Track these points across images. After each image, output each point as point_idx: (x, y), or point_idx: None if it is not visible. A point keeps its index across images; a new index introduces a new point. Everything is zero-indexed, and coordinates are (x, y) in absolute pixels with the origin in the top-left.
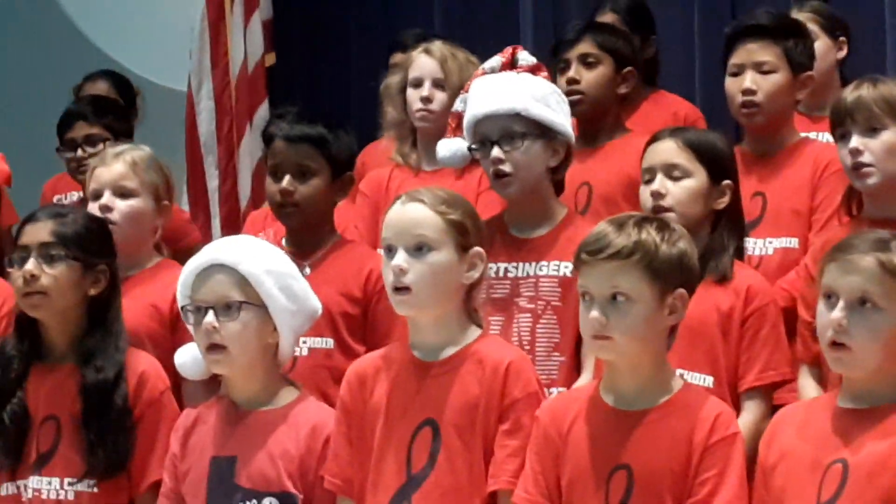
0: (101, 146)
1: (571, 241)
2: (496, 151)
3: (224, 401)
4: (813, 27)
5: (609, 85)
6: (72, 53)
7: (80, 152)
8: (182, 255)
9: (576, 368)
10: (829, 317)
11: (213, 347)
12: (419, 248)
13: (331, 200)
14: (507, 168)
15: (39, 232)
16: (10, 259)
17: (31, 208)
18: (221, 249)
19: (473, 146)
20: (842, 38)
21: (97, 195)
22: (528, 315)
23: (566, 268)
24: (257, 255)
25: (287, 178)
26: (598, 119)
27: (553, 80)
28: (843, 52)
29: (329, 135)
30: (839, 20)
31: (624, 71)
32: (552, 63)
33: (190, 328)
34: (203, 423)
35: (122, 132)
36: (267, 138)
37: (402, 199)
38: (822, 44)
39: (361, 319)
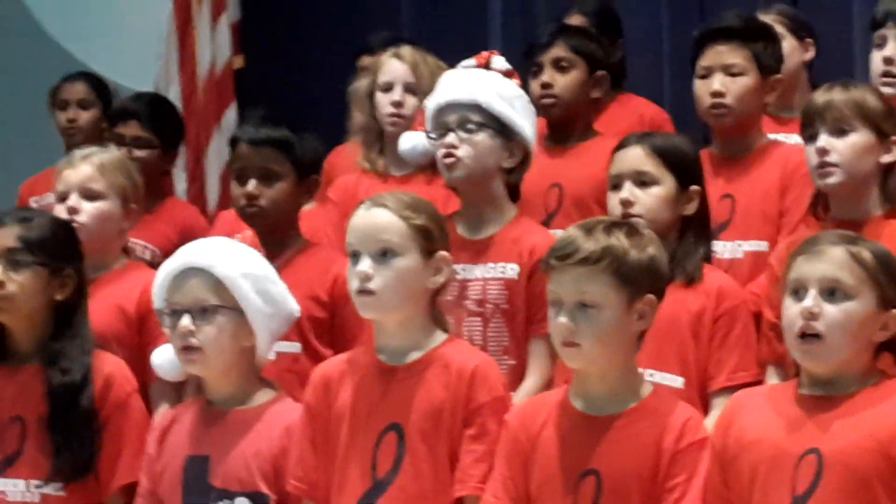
0: (146, 152)
1: (516, 242)
2: (451, 137)
3: (201, 401)
4: (779, 28)
5: (582, 88)
6: (39, 56)
7: (124, 151)
8: None
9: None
10: (799, 307)
11: (187, 349)
12: (384, 254)
13: (296, 204)
14: (458, 152)
15: (5, 237)
16: None
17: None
18: (197, 252)
19: (432, 134)
20: (808, 40)
21: (63, 197)
22: (478, 319)
23: (512, 269)
24: (233, 259)
25: (252, 182)
26: (570, 122)
27: (524, 83)
28: (810, 54)
29: (294, 138)
30: (804, 22)
31: (596, 74)
32: (525, 66)
33: (166, 331)
34: (179, 422)
35: (173, 141)
36: (232, 142)
37: (367, 205)
38: (787, 44)
39: (329, 323)
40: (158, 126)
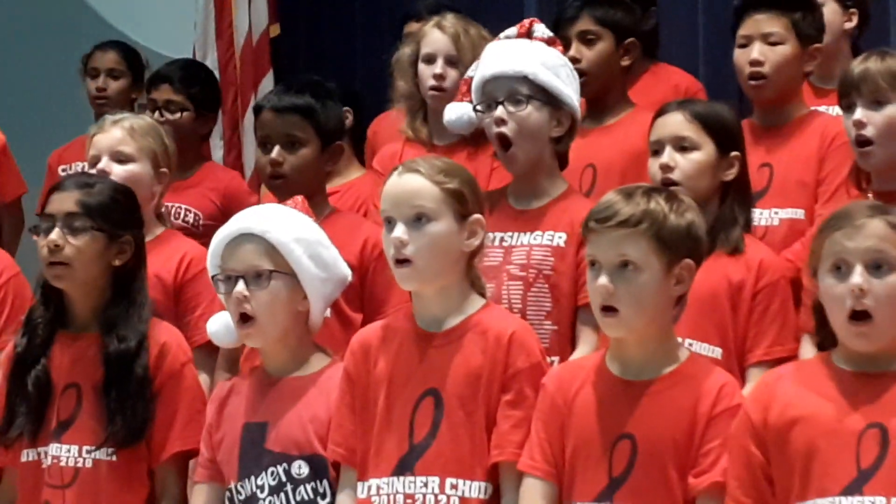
0: (179, 115)
1: (566, 212)
2: (499, 111)
3: (257, 370)
4: None
5: (610, 60)
6: (77, 24)
7: (157, 115)
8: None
9: (570, 339)
10: (846, 285)
11: (244, 319)
12: (418, 219)
13: (321, 170)
14: (507, 130)
15: (65, 201)
16: (35, 227)
17: (38, 178)
18: (250, 218)
19: (479, 107)
20: (852, 10)
21: (95, 161)
22: (519, 283)
23: (560, 238)
24: (286, 224)
25: (276, 148)
26: (604, 95)
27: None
28: (853, 23)
29: (317, 104)
30: None
31: (626, 43)
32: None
33: (220, 296)
34: (237, 393)
35: (208, 106)
36: (256, 109)
37: (399, 171)
38: (829, 11)
39: (358, 288)
40: (191, 90)
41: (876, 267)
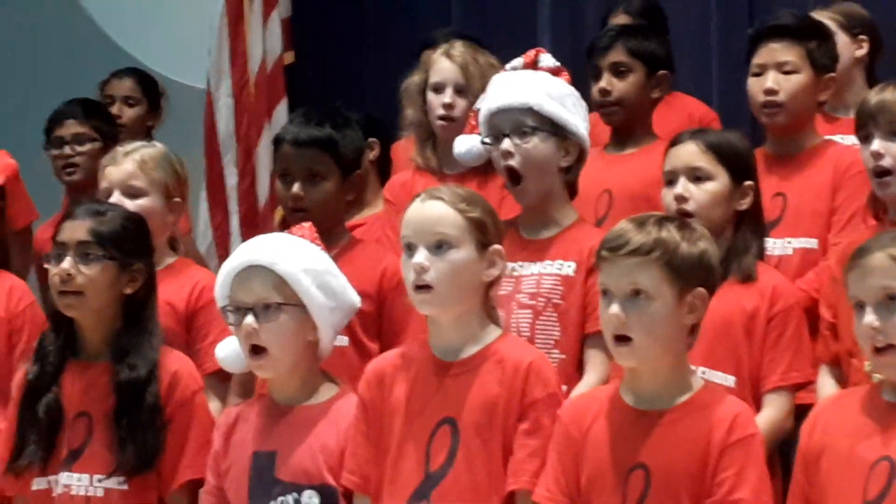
0: (87, 146)
1: (576, 242)
2: (506, 144)
3: (265, 398)
4: (831, 25)
5: (641, 91)
6: (92, 51)
7: (67, 150)
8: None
9: (577, 368)
10: (862, 325)
11: (255, 350)
12: (440, 246)
13: (342, 201)
14: (515, 163)
15: (77, 230)
16: (47, 256)
17: (56, 206)
18: (258, 250)
19: (486, 140)
20: (862, 37)
21: (107, 195)
22: (528, 311)
23: (569, 267)
24: (294, 255)
25: (297, 184)
26: (630, 125)
27: (575, 80)
28: (864, 50)
29: (337, 135)
30: (862, 19)
31: (658, 75)
32: (585, 67)
33: (231, 328)
34: (244, 420)
35: (110, 135)
36: (275, 142)
37: (422, 197)
38: (840, 42)
39: (376, 317)
40: (93, 122)
41: (890, 300)
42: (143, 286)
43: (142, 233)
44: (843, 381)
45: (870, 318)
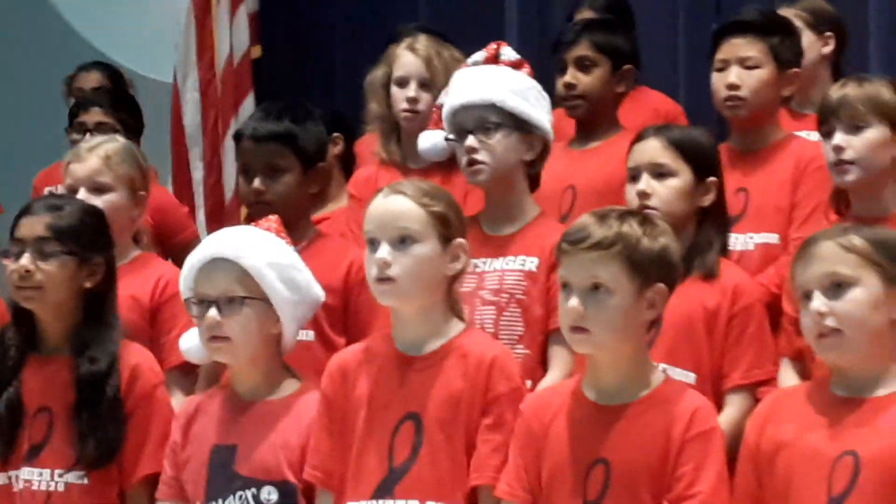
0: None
1: (538, 237)
2: (470, 140)
3: (226, 390)
4: (797, 23)
5: (606, 86)
6: (58, 45)
7: (87, 137)
8: (179, 250)
9: (541, 363)
10: (809, 311)
11: (214, 338)
12: (403, 241)
13: (304, 194)
14: (480, 157)
15: (35, 226)
16: (4, 251)
17: (22, 201)
18: (223, 243)
19: (450, 136)
20: (828, 34)
21: (73, 191)
22: (492, 307)
23: (532, 262)
24: (259, 248)
25: (258, 178)
26: (595, 119)
27: (538, 75)
28: (830, 48)
29: (297, 129)
30: (828, 15)
31: (623, 69)
32: (551, 62)
33: (194, 320)
34: (204, 412)
35: (133, 130)
36: (236, 137)
37: (385, 192)
38: (806, 39)
39: (342, 311)
40: (119, 113)
41: (834, 288)
42: (103, 280)
43: (100, 226)
44: (805, 375)
45: (817, 303)
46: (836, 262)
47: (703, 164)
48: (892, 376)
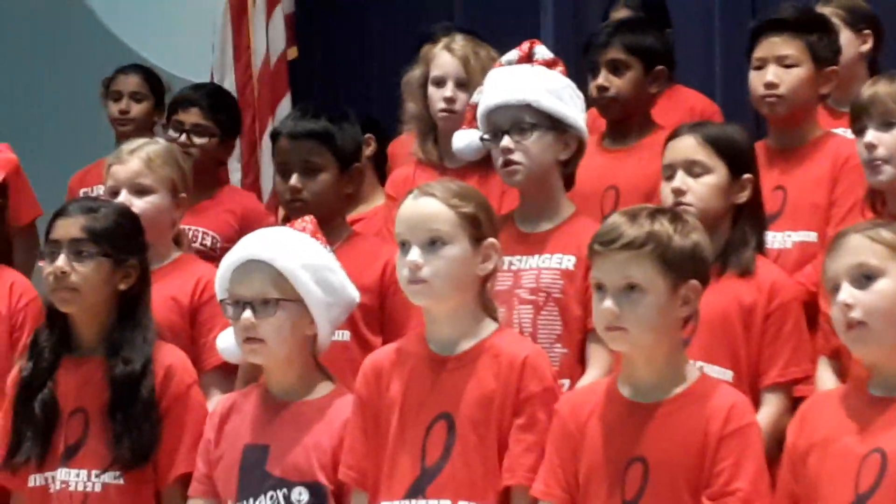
0: (206, 139)
1: (575, 236)
2: (506, 141)
3: (260, 390)
4: (835, 20)
5: (638, 88)
6: (96, 47)
7: (183, 138)
8: None
9: (580, 361)
10: (837, 302)
11: (250, 339)
12: (433, 243)
13: (340, 194)
14: (515, 157)
15: (70, 227)
16: (40, 253)
17: (59, 202)
18: (258, 244)
19: (485, 136)
20: (866, 32)
21: (114, 193)
22: (529, 306)
23: (569, 261)
24: (293, 250)
25: (294, 176)
26: (629, 120)
27: (571, 74)
28: (868, 46)
29: (333, 128)
30: (866, 13)
31: (655, 70)
32: (584, 61)
33: (229, 320)
34: (238, 411)
35: (230, 132)
36: (273, 136)
37: (415, 194)
38: (843, 37)
39: (378, 311)
40: (218, 115)
41: (862, 280)
42: (137, 282)
43: (135, 228)
44: (842, 373)
45: (844, 294)
46: (863, 253)
47: (738, 161)
48: None
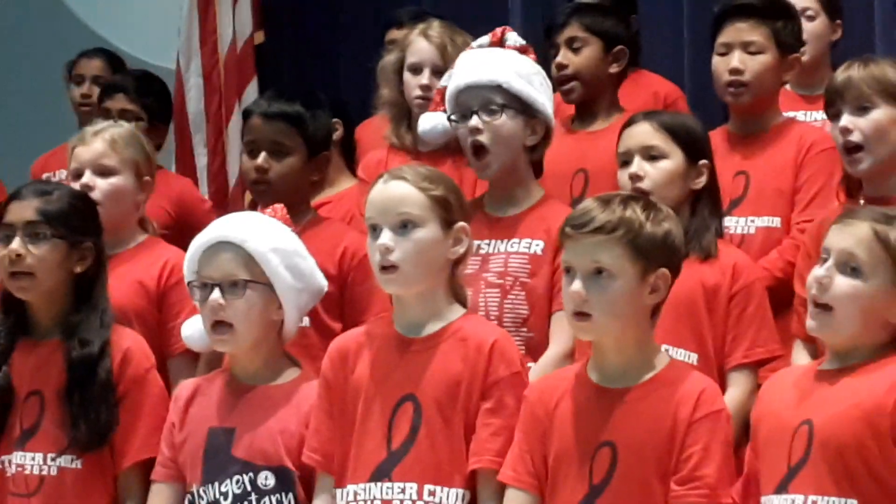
0: (133, 124)
1: (543, 220)
2: (474, 121)
3: (225, 374)
4: (815, 7)
5: (598, 66)
6: (61, 31)
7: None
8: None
9: (546, 345)
10: (815, 273)
11: (218, 325)
12: (404, 226)
13: (306, 179)
14: (483, 139)
15: (24, 210)
16: None
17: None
18: (228, 226)
19: (453, 117)
20: (838, 22)
21: (78, 174)
22: (496, 290)
23: (537, 245)
24: (264, 233)
25: (262, 155)
26: (592, 101)
27: (541, 59)
28: (838, 35)
29: (307, 113)
30: (840, 4)
31: (614, 50)
32: (545, 46)
33: (196, 303)
34: (203, 394)
35: (160, 117)
36: (245, 114)
37: (385, 178)
38: (820, 23)
39: (338, 297)
40: (145, 100)
41: (845, 266)
42: (93, 264)
43: (89, 210)
44: (818, 355)
45: (822, 272)
46: (860, 244)
47: (694, 147)
48: (874, 352)
